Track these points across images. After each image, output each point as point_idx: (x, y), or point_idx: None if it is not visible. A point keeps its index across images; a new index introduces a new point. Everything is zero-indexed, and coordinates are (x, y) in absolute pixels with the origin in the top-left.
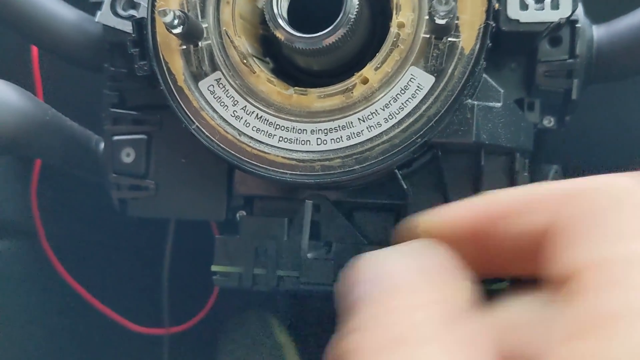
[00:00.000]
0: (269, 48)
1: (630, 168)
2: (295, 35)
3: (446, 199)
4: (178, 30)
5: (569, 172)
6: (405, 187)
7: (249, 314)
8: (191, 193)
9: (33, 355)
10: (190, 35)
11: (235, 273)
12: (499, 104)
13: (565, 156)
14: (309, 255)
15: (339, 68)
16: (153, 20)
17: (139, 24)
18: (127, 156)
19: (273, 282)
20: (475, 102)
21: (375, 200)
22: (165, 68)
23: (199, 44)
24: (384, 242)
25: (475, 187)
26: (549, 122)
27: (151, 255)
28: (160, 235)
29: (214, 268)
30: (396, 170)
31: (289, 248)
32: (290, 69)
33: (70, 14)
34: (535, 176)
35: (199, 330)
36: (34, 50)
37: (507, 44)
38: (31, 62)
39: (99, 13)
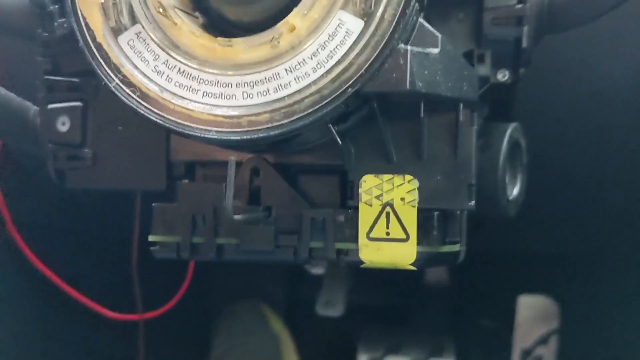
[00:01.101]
0: (199, 2)
1: (592, 121)
2: None
3: (388, 156)
4: None
5: (530, 129)
6: (339, 142)
7: (242, 303)
8: (129, 161)
9: (3, 344)
10: None
11: (173, 242)
12: (436, 50)
13: (527, 114)
14: (237, 217)
15: (271, 19)
16: None
17: None
18: (63, 125)
19: (212, 250)
20: (409, 47)
21: (319, 162)
22: (83, 23)
23: None
24: (327, 205)
25: (417, 142)
26: (503, 75)
27: (122, 239)
28: (129, 217)
29: (151, 238)
30: (330, 126)
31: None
32: (222, 23)
33: None
34: (492, 134)
35: (174, 315)
36: None
37: None
38: None
39: None
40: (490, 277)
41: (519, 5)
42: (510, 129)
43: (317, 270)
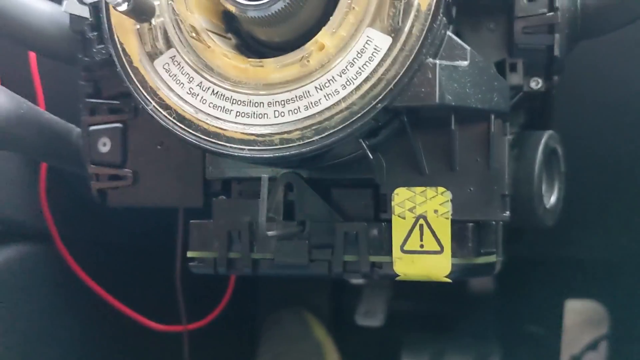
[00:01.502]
0: (231, 24)
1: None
2: (243, 4)
3: (420, 169)
4: (123, 7)
5: (566, 137)
6: (370, 157)
7: (286, 312)
8: (168, 180)
9: (54, 356)
10: (140, 12)
11: (210, 258)
12: (465, 62)
13: (564, 121)
14: (270, 233)
15: (301, 38)
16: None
17: (95, 7)
18: (104, 146)
19: (248, 266)
20: (438, 61)
21: (352, 176)
22: (120, 49)
23: (153, 21)
24: (361, 218)
25: (450, 155)
26: (536, 84)
27: (166, 252)
28: (173, 231)
29: (189, 254)
30: (361, 140)
31: None
32: (254, 44)
33: (44, 7)
34: (527, 143)
35: (218, 325)
36: (32, 54)
37: (481, 1)
38: (29, 65)
39: (65, 2)
40: (537, 282)
41: (550, 13)
42: (546, 136)
43: (358, 279)
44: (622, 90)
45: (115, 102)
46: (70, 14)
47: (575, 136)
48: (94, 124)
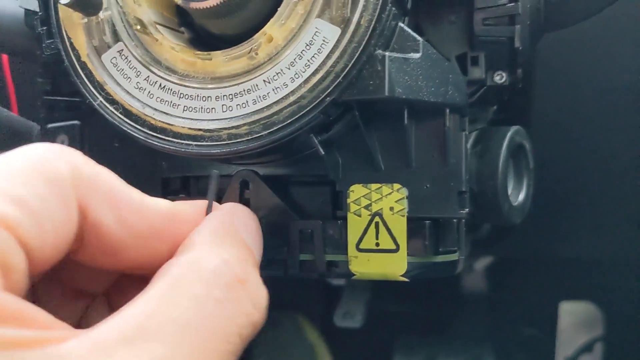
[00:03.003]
0: (185, 18)
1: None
2: None
3: (376, 165)
4: (66, 0)
5: (533, 132)
6: (322, 152)
7: (279, 315)
8: (125, 179)
9: None
10: (86, 5)
11: None
12: (417, 55)
13: (535, 116)
14: None
15: (252, 31)
16: None
17: (44, 1)
18: (62, 143)
19: None
20: (387, 53)
21: (309, 173)
22: (68, 44)
23: (100, 15)
24: (319, 216)
25: (404, 150)
26: (500, 77)
27: None
28: None
29: None
30: (312, 136)
31: None
32: (207, 38)
33: (4, 2)
34: (491, 138)
35: None
36: (4, 56)
37: None
38: (2, 67)
39: None
40: (531, 283)
41: (511, 4)
42: (511, 132)
43: (337, 281)
44: (616, 86)
45: (73, 99)
46: (25, 9)
47: (566, 135)
48: (53, 122)
